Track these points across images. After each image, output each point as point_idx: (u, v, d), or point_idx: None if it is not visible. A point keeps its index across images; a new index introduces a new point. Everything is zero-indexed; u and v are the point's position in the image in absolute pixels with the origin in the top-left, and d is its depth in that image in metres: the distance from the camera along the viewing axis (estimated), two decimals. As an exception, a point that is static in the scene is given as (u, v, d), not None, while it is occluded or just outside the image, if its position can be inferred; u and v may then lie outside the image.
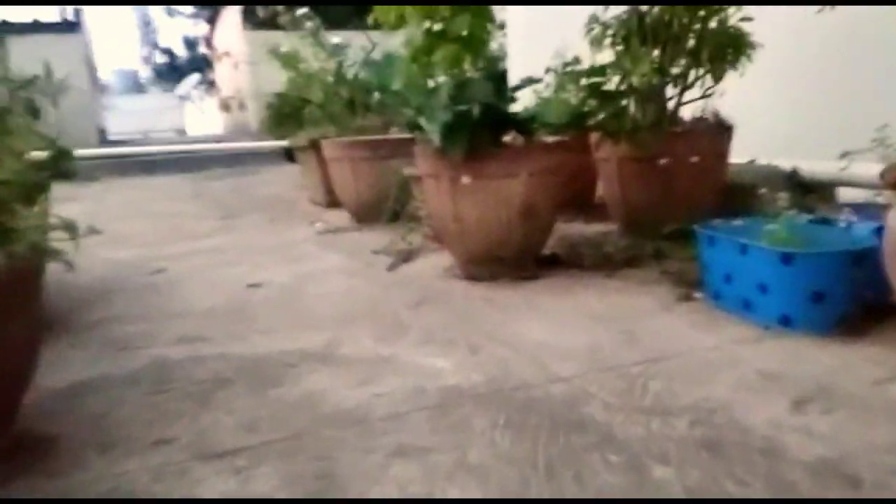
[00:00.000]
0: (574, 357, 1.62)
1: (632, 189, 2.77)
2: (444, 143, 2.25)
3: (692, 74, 2.71)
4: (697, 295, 2.08)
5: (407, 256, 2.85)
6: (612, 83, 2.59)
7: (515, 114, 2.42)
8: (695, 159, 2.66)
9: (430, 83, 2.22)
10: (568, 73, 3.22)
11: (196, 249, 3.32)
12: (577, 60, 3.26)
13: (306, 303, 2.25)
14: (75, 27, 8.95)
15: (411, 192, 3.27)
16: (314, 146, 4.34)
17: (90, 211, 4.93)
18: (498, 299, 2.16)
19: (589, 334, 1.78)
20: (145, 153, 9.00)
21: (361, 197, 3.74)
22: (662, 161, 2.66)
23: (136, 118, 26.21)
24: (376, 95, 4.80)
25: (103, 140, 11.09)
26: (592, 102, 2.38)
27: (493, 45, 5.26)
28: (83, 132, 8.97)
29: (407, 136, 3.72)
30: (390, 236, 3.24)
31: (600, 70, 2.33)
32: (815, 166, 2.91)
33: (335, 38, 5.07)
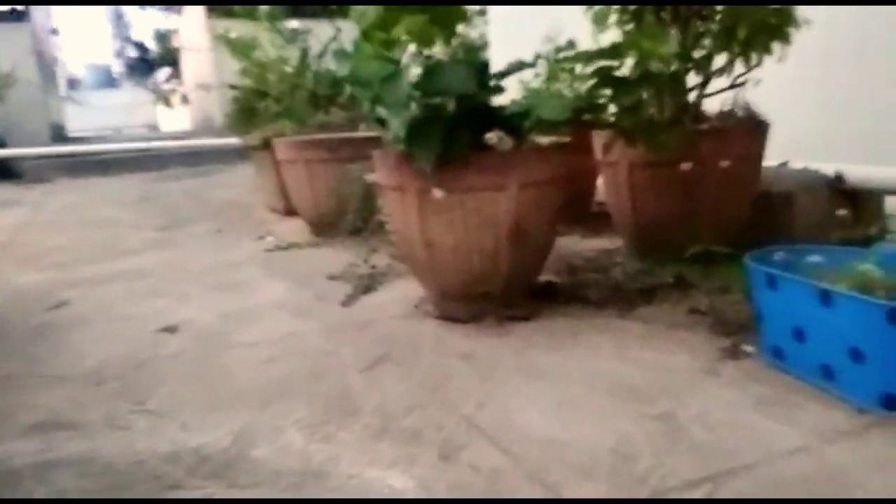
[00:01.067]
0: (597, 470, 1.09)
1: (645, 199, 2.24)
2: (408, 145, 1.71)
3: (719, 59, 2.20)
4: (748, 349, 1.56)
5: (368, 285, 2.30)
6: (624, 69, 2.06)
7: (502, 108, 1.88)
8: (724, 164, 2.14)
9: (388, 67, 1.68)
10: (564, 59, 2.70)
11: (119, 271, 2.74)
12: (571, 44, 2.75)
13: (226, 361, 1.69)
14: (22, 17, 8.26)
15: (376, 202, 2.72)
16: (268, 145, 3.77)
17: (20, 220, 4.33)
18: (480, 354, 1.62)
19: (613, 422, 1.25)
20: (102, 151, 8.34)
21: (319, 205, 3.18)
22: (684, 166, 2.14)
23: (107, 114, 25.32)
24: (347, 89, 4.27)
25: (61, 137, 10.40)
26: (602, 92, 1.85)
27: (473, 34, 4.73)
28: (33, 129, 8.30)
29: (373, 134, 3.17)
30: (351, 254, 2.70)
31: (612, 50, 1.80)
32: (861, 171, 2.41)
33: (294, 24, 4.51)
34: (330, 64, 4.28)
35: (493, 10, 5.09)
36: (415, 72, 1.81)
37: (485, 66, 1.93)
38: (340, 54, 4.17)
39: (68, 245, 3.40)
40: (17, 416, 1.41)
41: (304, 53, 4.29)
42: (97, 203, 5.12)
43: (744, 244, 1.83)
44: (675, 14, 2.17)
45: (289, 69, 4.29)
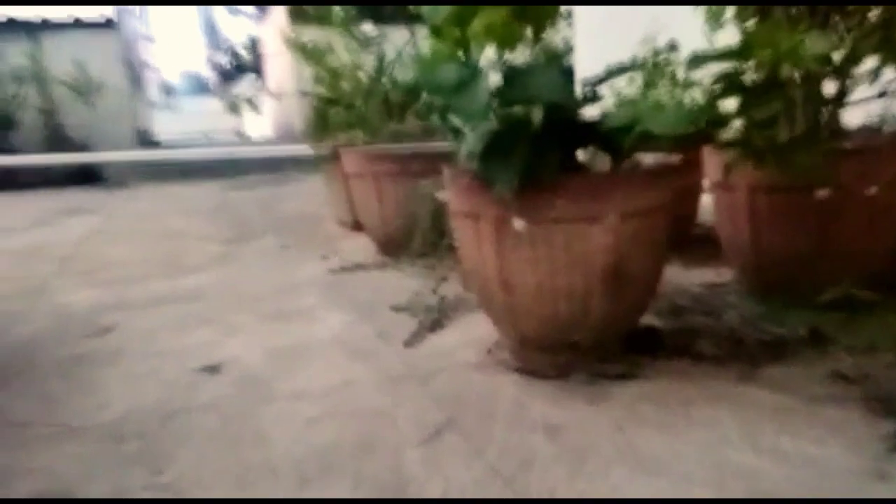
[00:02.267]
0: None
1: (769, 230, 1.86)
2: (484, 165, 1.42)
3: (864, 62, 1.80)
4: (929, 442, 1.18)
5: (436, 321, 2.01)
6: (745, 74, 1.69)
7: (596, 121, 1.56)
8: (871, 190, 1.74)
9: (463, 71, 1.38)
10: (663, 64, 2.34)
11: (173, 292, 2.57)
12: (673, 46, 2.38)
13: (264, 418, 1.43)
14: (112, 25, 8.47)
15: (448, 223, 2.44)
16: (338, 155, 3.56)
17: (90, 229, 4.29)
18: (570, 429, 1.30)
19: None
20: (183, 157, 8.45)
21: (387, 223, 2.92)
22: (821, 192, 1.75)
23: (195, 120, 26.25)
24: (423, 97, 4.03)
25: (147, 143, 10.67)
26: (725, 102, 1.50)
27: (555, 37, 4.40)
28: (120, 134, 8.48)
29: (447, 147, 2.89)
30: (419, 281, 2.42)
31: (742, 50, 1.44)
32: None
33: (370, 29, 4.30)
34: (403, 71, 4.08)
35: (578, 11, 4.74)
36: (493, 78, 1.51)
37: (569, 72, 1.61)
38: (414, 59, 3.94)
39: (130, 258, 3.28)
40: (13, 483, 1.20)
41: (380, 59, 4.08)
42: (170, 211, 5.07)
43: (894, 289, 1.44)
44: (812, 9, 1.79)
45: (362, 76, 4.09)
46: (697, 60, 1.49)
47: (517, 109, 1.45)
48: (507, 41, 1.48)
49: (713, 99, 1.50)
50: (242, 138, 13.12)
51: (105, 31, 8.31)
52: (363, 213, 3.13)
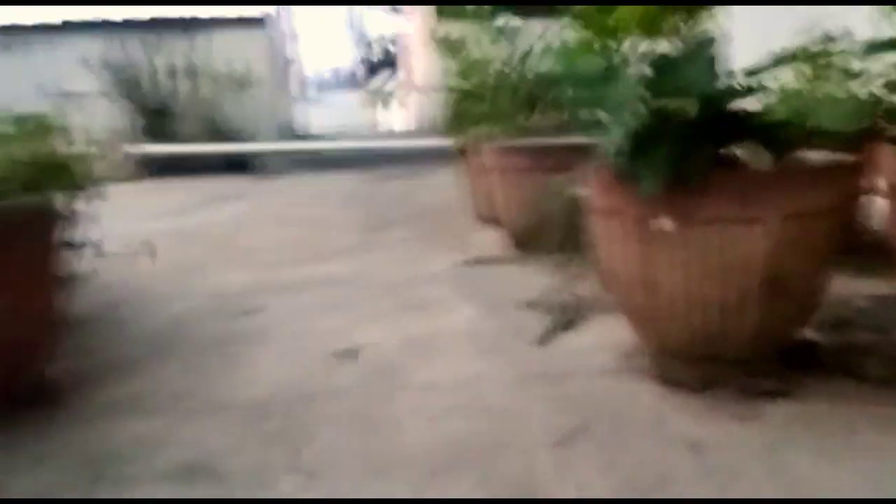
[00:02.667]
0: None
1: (956, 240, 1.65)
2: (630, 160, 1.35)
3: None
4: None
5: (569, 320, 1.96)
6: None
7: (757, 115, 1.44)
8: None
9: (609, 62, 1.33)
10: (832, 53, 2.14)
11: (316, 277, 2.68)
12: (840, 35, 2.17)
13: (397, 406, 1.46)
14: (264, 23, 9.00)
15: (583, 218, 2.37)
16: (475, 149, 3.57)
17: (243, 214, 4.60)
18: (714, 447, 1.22)
19: None
20: (326, 149, 8.86)
21: (521, 217, 2.89)
22: None
23: (338, 113, 27.45)
24: (557, 89, 3.96)
25: (292, 135, 11.28)
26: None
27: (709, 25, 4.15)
28: (268, 126, 9.03)
29: (582, 142, 2.82)
30: (552, 277, 2.38)
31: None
32: None
33: (508, 21, 4.26)
34: (540, 63, 4.02)
35: (736, -1, 4.44)
36: (639, 69, 1.44)
37: (723, 62, 1.50)
38: (549, 51, 3.87)
39: (278, 243, 3.47)
40: (166, 451, 1.29)
41: (513, 52, 4.05)
42: (314, 200, 5.32)
43: None
44: None
45: (496, 68, 4.07)
46: (875, 48, 1.33)
47: (666, 101, 1.37)
48: (655, 29, 1.40)
49: (891, 91, 1.34)
50: (382, 131, 13.59)
51: (257, 28, 8.84)
52: (497, 206, 3.12)
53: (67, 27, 8.40)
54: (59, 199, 1.56)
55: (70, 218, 1.89)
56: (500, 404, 1.44)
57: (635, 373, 1.58)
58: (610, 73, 1.31)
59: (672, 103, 1.26)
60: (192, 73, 8.02)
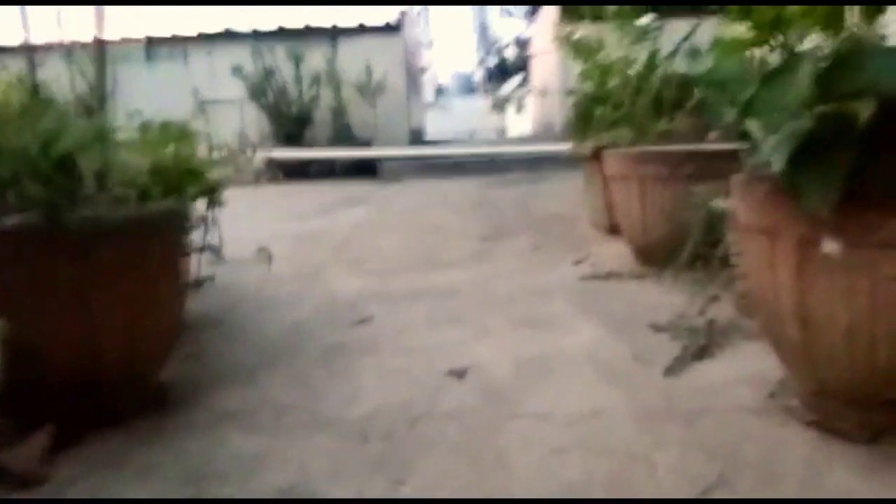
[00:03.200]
0: None
1: None
2: (793, 173, 1.15)
3: None
4: None
5: (703, 346, 1.75)
6: None
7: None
8: None
9: (774, 60, 1.13)
10: None
11: (430, 286, 2.61)
12: None
13: (507, 438, 1.33)
14: (396, 30, 9.17)
15: (722, 234, 2.14)
16: (599, 156, 3.37)
17: (363, 218, 4.64)
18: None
19: None
20: (449, 154, 8.88)
21: (649, 230, 2.67)
22: None
23: (464, 119, 27.69)
24: (696, 92, 3.70)
25: (419, 141, 11.44)
26: None
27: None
28: (397, 132, 9.19)
29: (728, 147, 2.56)
30: (682, 297, 2.16)
31: None
32: None
33: (648, 21, 4.02)
34: (682, 65, 3.78)
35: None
36: (808, 68, 1.22)
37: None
38: (697, 51, 3.60)
39: (395, 249, 3.44)
40: (265, 472, 1.24)
41: (653, 54, 3.81)
42: (434, 206, 5.29)
43: None
44: None
45: (633, 72, 3.85)
46: None
47: (840, 103, 1.15)
48: (832, 24, 1.19)
49: None
50: (506, 137, 13.53)
51: (390, 36, 9.02)
52: (622, 217, 2.91)
53: (221, 36, 8.96)
54: (191, 204, 1.57)
55: (201, 222, 1.91)
56: (622, 445, 1.28)
57: (783, 414, 1.36)
58: (777, 72, 1.12)
59: (848, 105, 1.05)
60: (332, 80, 8.29)
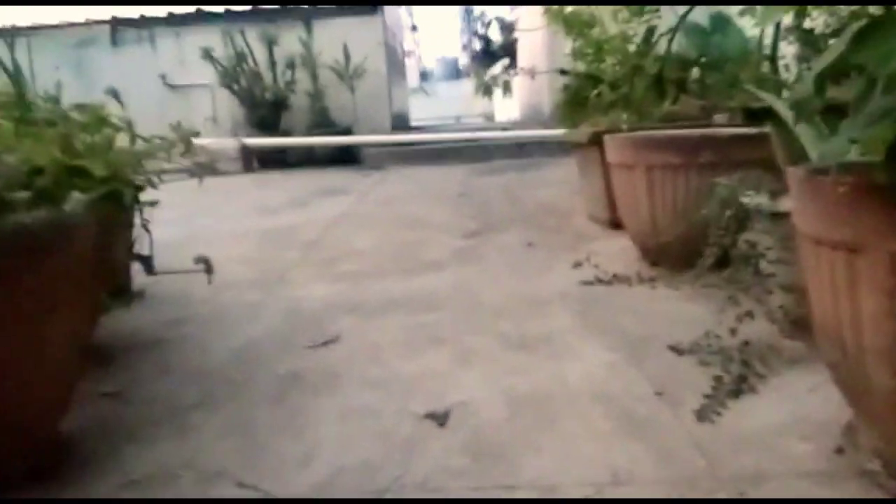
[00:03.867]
0: None
1: None
2: (891, 169, 0.82)
3: None
4: None
5: (740, 377, 1.43)
6: None
7: None
8: None
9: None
10: None
11: (405, 295, 2.27)
12: None
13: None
14: (375, 11, 8.74)
15: (752, 236, 1.81)
16: (597, 142, 3.04)
17: (339, 211, 4.28)
18: None
19: None
20: (433, 140, 8.51)
21: (659, 226, 2.34)
22: None
23: (449, 105, 27.23)
24: (694, 72, 3.38)
25: (403, 127, 11.04)
26: None
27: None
28: (378, 118, 8.79)
29: (749, 131, 2.23)
30: (705, 308, 1.84)
31: None
32: None
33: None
34: (684, 42, 3.46)
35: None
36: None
37: None
38: (697, 32, 3.28)
39: (370, 249, 3.10)
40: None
41: (650, 30, 3.47)
42: (416, 196, 4.94)
43: None
44: None
45: (631, 49, 3.51)
46: None
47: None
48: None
49: None
50: (492, 122, 13.14)
51: (370, 17, 8.60)
52: (626, 210, 2.58)
53: (190, 18, 8.49)
54: (83, 205, 1.20)
55: (117, 224, 1.58)
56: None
57: (861, 480, 1.04)
58: (875, 26, 0.78)
59: None
60: (308, 64, 7.86)
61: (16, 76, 1.88)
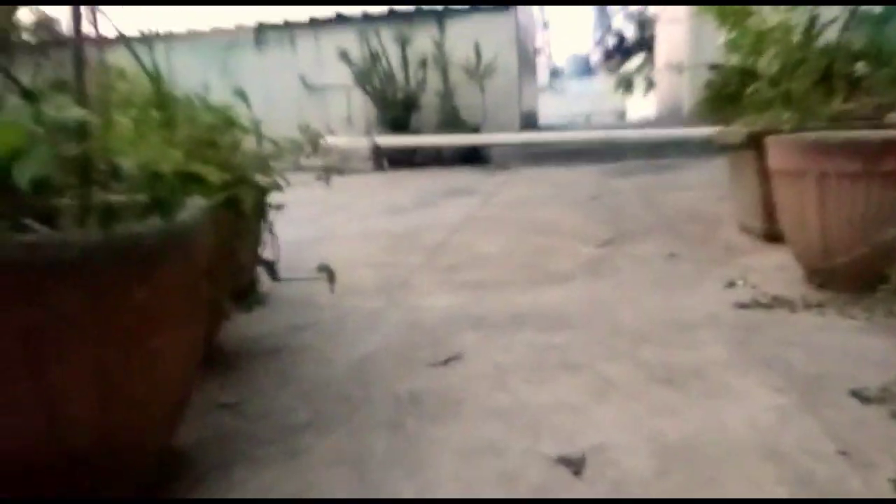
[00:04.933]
0: None
1: None
2: None
3: None
4: None
5: (955, 443, 1.15)
6: None
7: None
8: None
9: None
10: None
11: (532, 310, 2.10)
12: None
13: None
14: (507, 9, 8.59)
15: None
16: (755, 143, 2.72)
17: (465, 213, 4.18)
18: None
19: None
20: (563, 140, 8.24)
21: (831, 242, 2.02)
22: None
23: (579, 102, 26.59)
24: (859, 67, 2.98)
25: (531, 126, 10.83)
26: None
27: None
28: (507, 116, 8.64)
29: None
30: (895, 343, 1.54)
31: None
32: None
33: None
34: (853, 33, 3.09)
35: None
36: None
37: None
38: (870, 21, 2.88)
39: (496, 255, 2.95)
40: None
41: (812, 20, 3.11)
42: (544, 199, 4.75)
43: None
44: None
45: (795, 40, 3.14)
46: None
47: None
48: None
49: None
50: (626, 121, 12.61)
51: (503, 15, 8.46)
52: (791, 223, 2.26)
53: (329, 21, 8.75)
54: (200, 212, 1.14)
55: (242, 227, 1.53)
56: None
57: None
58: None
59: None
60: (440, 63, 7.87)
61: (156, 77, 1.90)
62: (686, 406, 1.36)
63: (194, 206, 1.14)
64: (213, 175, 1.13)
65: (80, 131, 1.02)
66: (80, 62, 1.11)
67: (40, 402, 0.95)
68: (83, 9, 1.97)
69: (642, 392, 1.44)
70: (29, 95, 0.97)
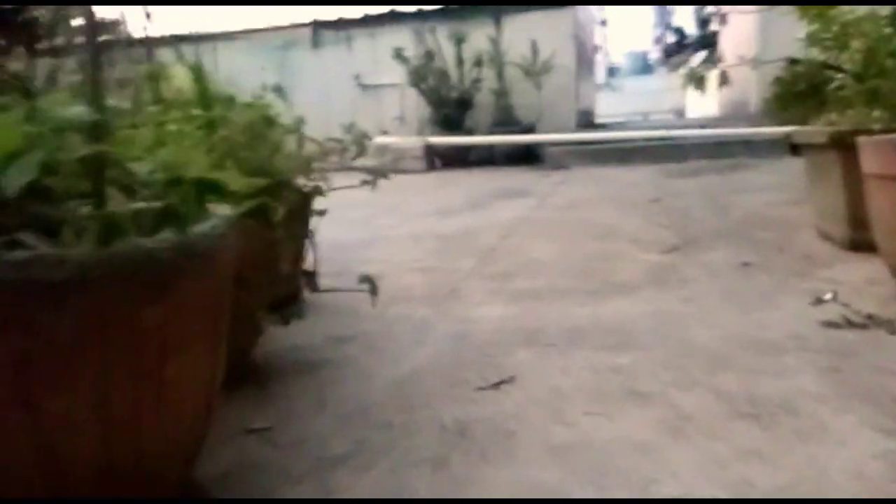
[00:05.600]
0: None
1: None
2: None
3: None
4: None
5: None
6: None
7: None
8: None
9: None
10: None
11: (592, 325, 1.93)
12: None
13: None
14: (565, 5, 8.36)
15: None
16: (840, 144, 2.47)
17: (519, 215, 4.01)
18: None
19: None
20: (621, 139, 7.96)
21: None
22: None
23: (637, 100, 25.96)
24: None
25: (588, 124, 10.55)
26: None
27: None
28: (563, 115, 8.40)
29: None
30: None
31: None
32: None
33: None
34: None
35: None
36: None
37: None
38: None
39: (551, 261, 2.78)
40: None
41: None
42: (603, 201, 4.53)
43: None
44: None
45: (885, 31, 2.86)
46: None
47: None
48: None
49: None
50: (688, 119, 12.18)
51: (561, 11, 8.24)
52: (885, 231, 2.02)
53: (384, 19, 8.69)
54: (224, 224, 1.02)
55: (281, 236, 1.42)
56: None
57: None
58: None
59: None
60: (495, 61, 7.71)
61: (199, 76, 1.80)
62: (777, 449, 1.17)
63: (218, 217, 1.01)
64: (238, 182, 1.01)
65: (92, 133, 0.91)
66: (96, 63, 0.99)
67: (34, 435, 0.85)
68: (139, 9, 1.87)
69: (723, 430, 1.26)
70: (29, 94, 0.85)
